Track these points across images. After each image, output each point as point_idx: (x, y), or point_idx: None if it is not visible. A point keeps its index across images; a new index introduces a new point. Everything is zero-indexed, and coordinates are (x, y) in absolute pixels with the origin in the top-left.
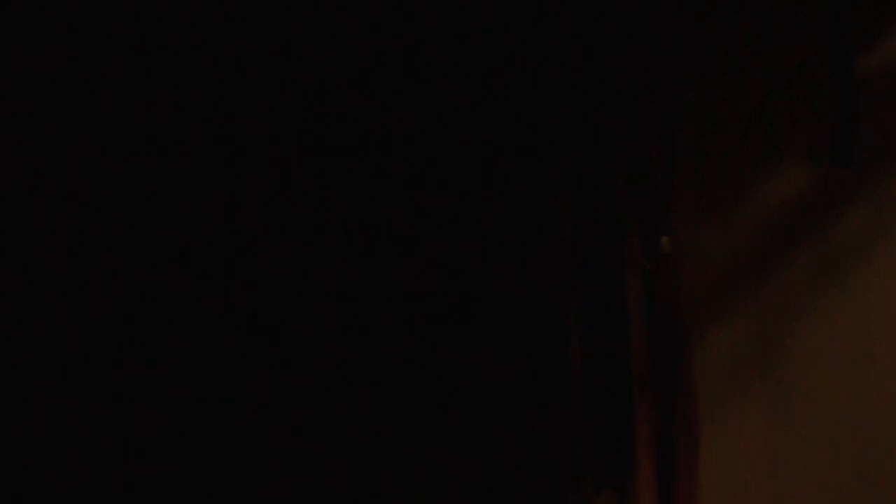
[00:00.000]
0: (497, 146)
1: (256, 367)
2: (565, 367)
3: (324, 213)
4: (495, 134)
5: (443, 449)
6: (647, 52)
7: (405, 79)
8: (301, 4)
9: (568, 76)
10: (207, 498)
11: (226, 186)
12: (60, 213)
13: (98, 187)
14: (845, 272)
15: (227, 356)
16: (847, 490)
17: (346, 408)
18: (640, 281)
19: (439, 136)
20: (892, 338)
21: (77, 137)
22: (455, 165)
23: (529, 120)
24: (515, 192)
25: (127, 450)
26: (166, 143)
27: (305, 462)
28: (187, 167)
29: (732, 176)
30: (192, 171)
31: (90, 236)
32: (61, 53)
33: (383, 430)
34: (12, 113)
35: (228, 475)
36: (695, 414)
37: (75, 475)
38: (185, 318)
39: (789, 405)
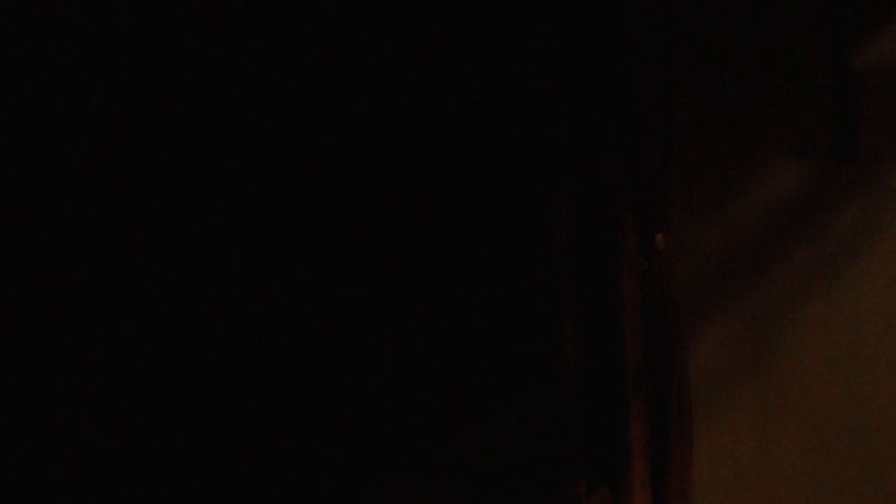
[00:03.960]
0: (492, 143)
1: (252, 359)
2: (560, 363)
3: (321, 209)
4: (490, 131)
5: (435, 444)
6: (644, 49)
7: (401, 77)
8: (301, 5)
9: (563, 73)
10: (204, 496)
11: (223, 186)
12: (59, 213)
13: (99, 187)
14: (842, 270)
15: (224, 352)
16: (839, 488)
17: (338, 400)
18: (636, 278)
19: (435, 134)
20: (887, 337)
21: (75, 137)
22: (449, 162)
23: (525, 117)
24: (511, 189)
25: (126, 450)
26: (168, 143)
27: (298, 454)
28: (187, 167)
29: (729, 173)
30: (192, 172)
31: (90, 236)
32: (61, 53)
33: (375, 424)
34: (12, 113)
35: (226, 470)
36: (689, 411)
37: (75, 475)
38: (182, 316)
39: (783, 403)
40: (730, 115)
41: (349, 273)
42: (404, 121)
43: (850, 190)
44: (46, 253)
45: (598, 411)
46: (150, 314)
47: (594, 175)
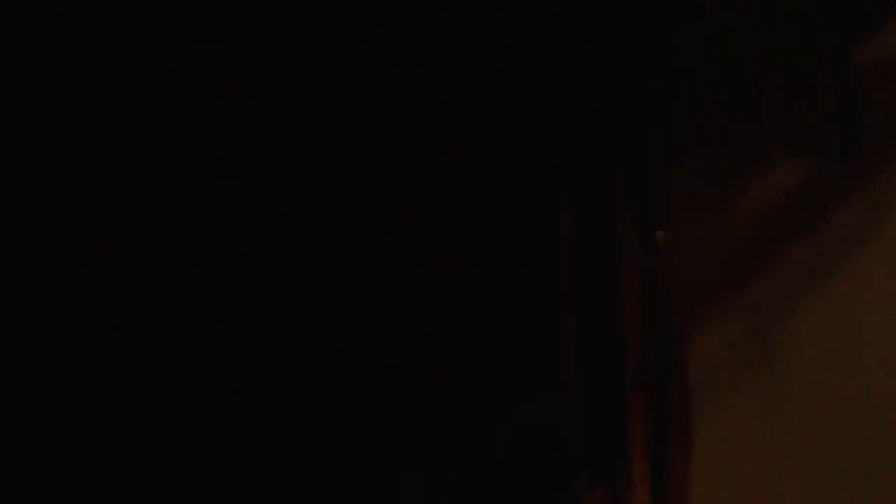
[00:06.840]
0: (493, 142)
1: (252, 359)
2: (560, 362)
3: (322, 208)
4: (491, 129)
5: (435, 443)
6: (645, 47)
7: (404, 77)
8: (301, 4)
9: (563, 71)
10: (205, 497)
11: (223, 186)
12: (59, 213)
13: (98, 187)
14: (844, 268)
15: (225, 352)
16: (841, 486)
17: (340, 400)
18: (637, 276)
19: (437, 133)
20: (890, 334)
21: (75, 138)
22: (449, 161)
23: (526, 115)
24: (512, 187)
25: (126, 450)
26: (168, 142)
27: (300, 454)
28: (187, 167)
29: (730, 171)
30: (191, 171)
31: (90, 236)
32: (61, 53)
33: (375, 423)
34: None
35: (226, 471)
36: (689, 410)
37: (75, 475)
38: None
39: (784, 401)
40: (731, 113)
41: (351, 273)
42: (408, 122)
43: (853, 188)
44: (47, 253)
45: (598, 409)
46: (151, 314)
47: (595, 173)
